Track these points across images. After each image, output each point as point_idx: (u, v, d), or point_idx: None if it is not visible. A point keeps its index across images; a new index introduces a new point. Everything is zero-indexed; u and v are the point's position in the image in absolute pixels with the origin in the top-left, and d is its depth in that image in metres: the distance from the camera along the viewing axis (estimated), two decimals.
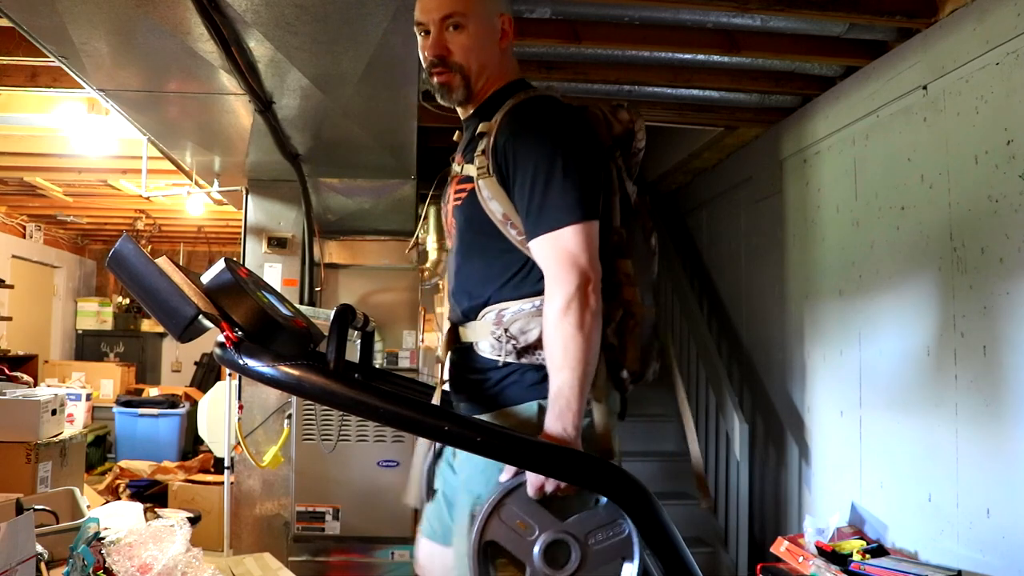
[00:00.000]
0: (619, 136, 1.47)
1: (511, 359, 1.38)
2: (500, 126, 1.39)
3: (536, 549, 1.24)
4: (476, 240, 1.44)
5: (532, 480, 1.25)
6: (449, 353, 1.51)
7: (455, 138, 1.59)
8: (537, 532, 1.25)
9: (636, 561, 1.24)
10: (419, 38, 1.49)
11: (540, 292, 1.35)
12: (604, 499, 1.26)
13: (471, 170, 1.41)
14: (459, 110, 1.54)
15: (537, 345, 1.36)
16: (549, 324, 1.30)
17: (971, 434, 2.50)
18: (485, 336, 1.41)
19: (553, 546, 1.24)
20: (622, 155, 1.49)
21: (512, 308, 1.39)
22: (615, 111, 1.48)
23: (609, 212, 1.42)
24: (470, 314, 1.45)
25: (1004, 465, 2.36)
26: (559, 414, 1.27)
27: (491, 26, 1.47)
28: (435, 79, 1.47)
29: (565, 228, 1.31)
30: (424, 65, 1.49)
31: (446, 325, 1.53)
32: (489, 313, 1.41)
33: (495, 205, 1.39)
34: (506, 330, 1.38)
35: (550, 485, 1.24)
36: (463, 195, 1.44)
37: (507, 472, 1.29)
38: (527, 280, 1.39)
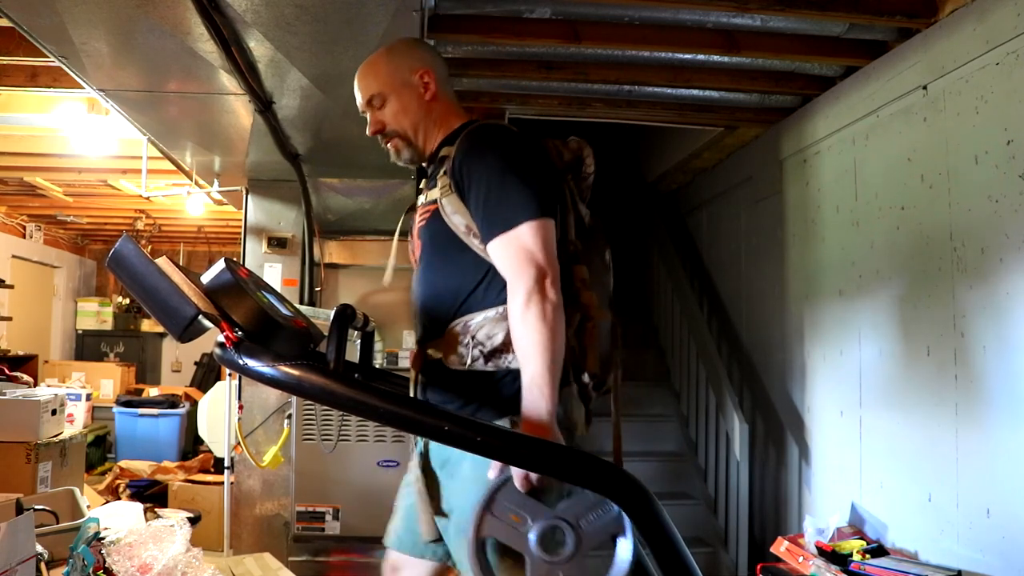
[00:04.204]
0: (569, 163, 1.57)
1: (479, 364, 1.41)
2: (458, 148, 1.47)
3: (532, 538, 1.26)
4: (441, 255, 1.49)
5: (517, 472, 1.27)
6: (417, 375, 1.52)
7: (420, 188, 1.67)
8: (531, 522, 1.26)
9: (628, 535, 1.26)
10: None
11: (505, 301, 1.38)
12: None
13: (435, 193, 1.48)
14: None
15: (503, 348, 1.39)
16: (514, 320, 1.34)
17: (971, 434, 2.50)
18: (453, 350, 1.43)
19: (548, 533, 1.26)
20: (574, 179, 1.57)
21: (477, 318, 1.42)
22: (565, 142, 1.58)
23: (565, 227, 1.50)
24: (437, 331, 1.47)
25: (1004, 465, 2.36)
26: (534, 403, 1.30)
27: (410, 89, 1.58)
28: (386, 146, 1.62)
29: (519, 226, 1.36)
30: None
31: (413, 347, 1.57)
32: (456, 326, 1.44)
33: (458, 219, 1.44)
34: (473, 337, 1.41)
35: (535, 473, 1.26)
36: (427, 215, 1.50)
37: (494, 468, 1.31)
38: (491, 289, 1.42)
